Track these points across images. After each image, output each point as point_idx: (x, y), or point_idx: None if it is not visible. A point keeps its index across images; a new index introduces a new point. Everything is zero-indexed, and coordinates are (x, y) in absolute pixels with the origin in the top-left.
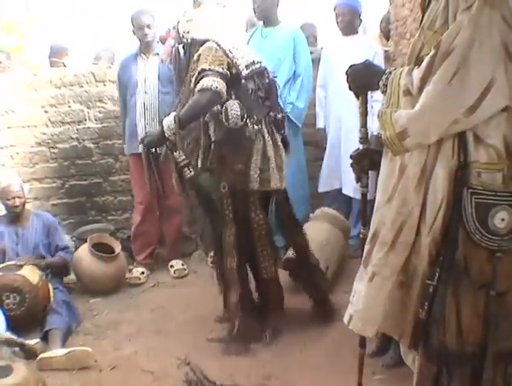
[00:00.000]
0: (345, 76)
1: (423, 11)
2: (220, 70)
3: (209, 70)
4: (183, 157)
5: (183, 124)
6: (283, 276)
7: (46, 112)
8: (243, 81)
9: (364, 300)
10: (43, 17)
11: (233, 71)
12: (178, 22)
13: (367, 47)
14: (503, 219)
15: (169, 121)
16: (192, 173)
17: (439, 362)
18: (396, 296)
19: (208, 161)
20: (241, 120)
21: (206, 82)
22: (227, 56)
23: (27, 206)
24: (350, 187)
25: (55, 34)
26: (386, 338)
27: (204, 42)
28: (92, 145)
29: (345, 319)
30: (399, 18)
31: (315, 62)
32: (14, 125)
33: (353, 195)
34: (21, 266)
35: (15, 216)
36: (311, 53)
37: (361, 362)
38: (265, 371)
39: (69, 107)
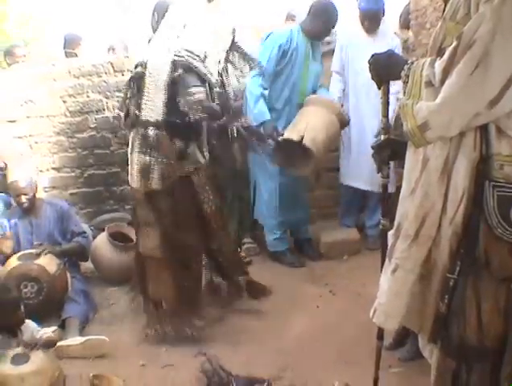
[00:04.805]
0: (368, 66)
1: (445, 1)
2: None
3: None
4: None
5: None
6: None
7: (64, 102)
8: None
9: (387, 293)
10: (60, 8)
11: None
12: None
13: (389, 39)
14: None
15: None
16: None
17: (458, 356)
18: (417, 289)
19: None
20: None
21: None
22: None
23: (41, 195)
24: (364, 181)
25: (70, 25)
26: (403, 332)
27: None
28: (110, 135)
29: (371, 312)
30: (419, 8)
31: (330, 53)
32: (33, 114)
33: (370, 189)
34: (38, 255)
35: (27, 207)
36: (328, 43)
37: (378, 354)
38: (280, 363)
39: (88, 97)
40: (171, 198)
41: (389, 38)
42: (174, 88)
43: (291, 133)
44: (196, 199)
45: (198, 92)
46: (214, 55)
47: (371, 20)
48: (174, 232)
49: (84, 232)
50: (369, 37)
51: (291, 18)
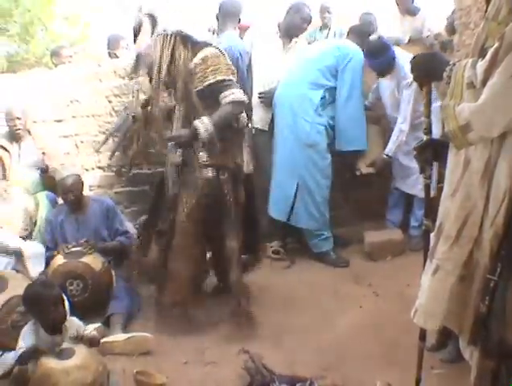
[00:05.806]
0: (410, 66)
1: (487, 1)
2: (235, 79)
3: (230, 80)
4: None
5: (217, 130)
6: None
7: (110, 102)
8: None
9: (427, 293)
10: (107, 7)
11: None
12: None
13: (400, 76)
14: None
15: (206, 125)
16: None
17: (498, 358)
18: (457, 290)
19: None
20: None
21: (238, 95)
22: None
23: (86, 193)
24: (406, 184)
25: (116, 25)
26: (445, 333)
27: (198, 43)
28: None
29: (412, 312)
30: (463, 8)
31: None
32: (78, 114)
33: (412, 192)
34: (84, 253)
35: (74, 204)
36: None
37: (420, 355)
38: (323, 362)
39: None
40: None
41: (400, 75)
42: None
43: (366, 167)
44: None
45: None
46: None
47: (376, 71)
48: None
49: (128, 232)
50: None
51: (326, 10)
